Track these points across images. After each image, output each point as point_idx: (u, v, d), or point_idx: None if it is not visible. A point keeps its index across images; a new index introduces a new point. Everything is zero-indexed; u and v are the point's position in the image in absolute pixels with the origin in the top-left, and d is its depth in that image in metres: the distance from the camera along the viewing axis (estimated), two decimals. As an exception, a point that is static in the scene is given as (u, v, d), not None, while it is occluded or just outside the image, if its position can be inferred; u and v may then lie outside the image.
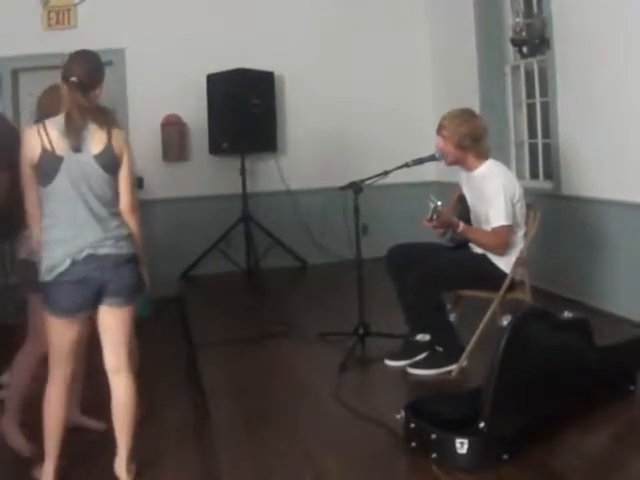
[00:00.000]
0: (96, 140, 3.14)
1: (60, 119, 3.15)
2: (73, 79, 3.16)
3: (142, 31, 7.37)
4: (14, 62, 7.05)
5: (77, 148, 3.10)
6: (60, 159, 3.08)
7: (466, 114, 4.51)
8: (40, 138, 3.08)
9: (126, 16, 7.34)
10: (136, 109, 7.22)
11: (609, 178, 5.40)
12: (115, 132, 3.19)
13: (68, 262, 3.06)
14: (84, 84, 3.18)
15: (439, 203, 4.17)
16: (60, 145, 3.08)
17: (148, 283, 3.34)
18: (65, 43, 6.65)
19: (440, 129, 4.48)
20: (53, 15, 7.37)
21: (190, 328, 5.76)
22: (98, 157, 3.13)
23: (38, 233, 3.16)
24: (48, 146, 3.07)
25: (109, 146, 3.15)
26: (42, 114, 3.52)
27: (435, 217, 4.18)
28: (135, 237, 3.24)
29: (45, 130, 3.09)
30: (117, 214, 3.21)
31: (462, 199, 4.64)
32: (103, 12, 7.28)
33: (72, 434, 3.36)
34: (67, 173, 3.08)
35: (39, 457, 3.36)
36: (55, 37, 7.20)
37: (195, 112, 7.56)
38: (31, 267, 3.46)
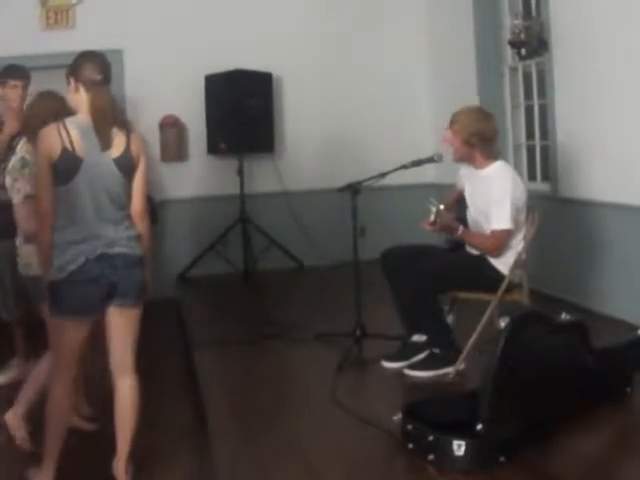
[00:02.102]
0: (117, 143, 3.14)
1: (81, 119, 3.15)
2: (99, 77, 3.16)
3: (140, 32, 7.35)
4: (12, 62, 7.03)
5: (107, 146, 3.10)
6: (80, 160, 3.07)
7: (481, 113, 4.51)
8: (60, 137, 3.07)
9: (124, 17, 7.32)
10: (134, 110, 7.20)
11: (607, 180, 5.40)
12: (133, 136, 3.20)
13: (81, 261, 3.06)
14: (108, 82, 3.20)
15: (441, 207, 4.18)
16: (81, 146, 3.08)
17: (150, 288, 3.33)
18: (63, 43, 6.73)
19: (452, 123, 4.46)
20: (52, 15, 7.36)
21: (187, 329, 5.76)
22: (117, 160, 3.13)
23: (47, 232, 3.15)
24: (69, 146, 3.06)
25: (128, 150, 3.16)
26: (36, 120, 3.57)
27: (438, 220, 4.18)
28: (144, 240, 3.24)
29: (66, 129, 3.08)
30: (128, 216, 3.21)
31: (459, 201, 4.63)
32: (101, 13, 7.26)
33: (69, 434, 3.36)
34: (85, 174, 3.08)
35: (36, 458, 3.37)
36: (53, 37, 7.20)
37: (193, 113, 7.55)
38: None
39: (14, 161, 3.79)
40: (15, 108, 4.76)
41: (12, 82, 4.78)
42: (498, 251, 4.34)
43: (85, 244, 3.08)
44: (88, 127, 3.12)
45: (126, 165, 3.16)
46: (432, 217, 4.17)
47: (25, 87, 4.80)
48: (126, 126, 3.22)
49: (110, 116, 3.14)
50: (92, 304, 3.13)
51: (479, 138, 4.37)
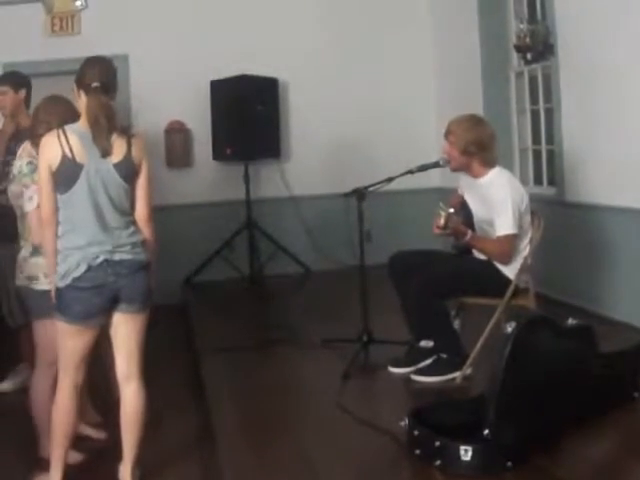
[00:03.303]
0: (117, 148, 3.14)
1: (81, 126, 3.15)
2: (96, 84, 3.15)
3: (145, 37, 7.38)
4: (18, 68, 7.04)
5: (106, 153, 3.10)
6: (80, 167, 3.07)
7: (474, 120, 4.49)
8: (60, 144, 3.07)
9: (129, 22, 7.35)
10: (139, 115, 7.21)
11: (613, 184, 5.39)
12: (135, 140, 3.19)
13: (84, 267, 3.06)
14: (107, 89, 3.19)
15: (451, 210, 4.17)
16: (81, 152, 3.08)
17: (154, 292, 3.32)
18: (69, 49, 6.76)
19: (447, 134, 4.46)
20: (57, 21, 7.38)
21: (193, 334, 5.76)
22: (117, 166, 3.13)
23: (51, 240, 3.15)
24: (69, 153, 3.07)
25: (128, 155, 3.15)
26: (44, 123, 3.53)
27: (449, 225, 4.18)
28: (149, 245, 3.24)
29: (65, 136, 3.08)
30: (132, 222, 3.21)
31: (464, 205, 4.62)
32: (106, 18, 7.28)
33: (75, 440, 3.36)
34: (86, 181, 3.08)
35: (41, 465, 3.37)
36: (59, 43, 7.23)
37: (199, 118, 7.57)
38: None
39: (20, 166, 3.64)
40: (7, 113, 4.85)
41: (1, 88, 4.87)
42: (507, 257, 4.32)
43: (87, 251, 3.08)
44: (87, 134, 3.12)
45: (127, 171, 3.16)
46: (442, 221, 4.17)
47: (17, 92, 4.85)
48: (127, 131, 3.22)
49: (105, 123, 3.12)
50: (96, 310, 3.13)
51: (477, 146, 4.36)
